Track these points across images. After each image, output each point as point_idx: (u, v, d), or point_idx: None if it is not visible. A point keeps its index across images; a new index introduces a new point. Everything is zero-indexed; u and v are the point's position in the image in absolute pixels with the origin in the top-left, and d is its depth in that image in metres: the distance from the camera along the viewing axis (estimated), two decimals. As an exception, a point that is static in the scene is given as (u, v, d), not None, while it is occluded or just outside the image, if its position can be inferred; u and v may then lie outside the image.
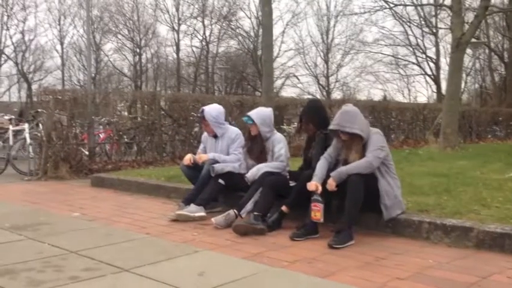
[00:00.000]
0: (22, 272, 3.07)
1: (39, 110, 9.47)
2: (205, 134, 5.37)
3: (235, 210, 4.36)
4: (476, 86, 30.67)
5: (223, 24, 36.59)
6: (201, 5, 36.01)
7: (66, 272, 3.06)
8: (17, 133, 9.80)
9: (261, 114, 4.81)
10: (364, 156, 3.87)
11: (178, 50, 36.77)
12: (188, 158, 5.12)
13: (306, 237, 3.86)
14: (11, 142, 9.17)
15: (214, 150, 5.15)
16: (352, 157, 3.90)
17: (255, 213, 4.16)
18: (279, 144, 4.76)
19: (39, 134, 8.74)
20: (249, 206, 4.37)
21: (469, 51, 19.96)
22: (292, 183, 4.41)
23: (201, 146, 5.39)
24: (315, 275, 3.02)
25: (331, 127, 3.99)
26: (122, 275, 3.02)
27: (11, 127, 9.89)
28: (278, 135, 4.87)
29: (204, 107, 5.20)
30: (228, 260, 3.37)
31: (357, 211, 3.78)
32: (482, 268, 3.10)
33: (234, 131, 5.19)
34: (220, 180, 4.77)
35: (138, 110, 10.83)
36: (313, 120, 4.48)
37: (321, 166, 4.01)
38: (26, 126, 9.12)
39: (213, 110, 5.15)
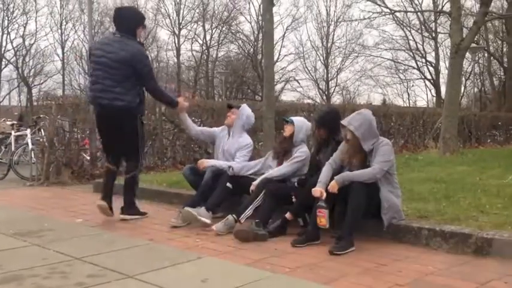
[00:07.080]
0: (28, 278, 3.12)
1: (41, 115, 9.54)
2: (220, 128, 5.44)
3: (234, 215, 4.38)
4: (476, 90, 30.77)
5: (224, 29, 36.75)
6: (202, 10, 36.17)
7: (71, 279, 3.12)
8: (18, 138, 9.84)
9: (301, 121, 4.87)
10: (364, 162, 3.95)
11: (178, 54, 36.88)
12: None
13: (307, 244, 3.91)
14: (13, 147, 9.22)
15: (223, 144, 5.24)
16: (353, 160, 4.00)
17: (257, 220, 4.21)
18: (302, 148, 4.72)
19: (41, 139, 8.80)
20: (249, 211, 4.38)
21: (468, 55, 20.02)
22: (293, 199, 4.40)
23: (210, 129, 5.59)
24: (317, 281, 3.07)
25: (342, 121, 4.09)
26: (126, 282, 3.07)
27: (13, 132, 9.92)
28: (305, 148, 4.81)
29: (243, 105, 5.38)
30: (230, 267, 3.42)
31: (358, 218, 3.82)
32: (480, 274, 3.16)
33: (247, 138, 5.24)
34: (228, 184, 4.79)
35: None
36: (328, 126, 4.49)
37: (325, 172, 4.04)
38: (28, 131, 9.17)
39: (250, 112, 5.27)
